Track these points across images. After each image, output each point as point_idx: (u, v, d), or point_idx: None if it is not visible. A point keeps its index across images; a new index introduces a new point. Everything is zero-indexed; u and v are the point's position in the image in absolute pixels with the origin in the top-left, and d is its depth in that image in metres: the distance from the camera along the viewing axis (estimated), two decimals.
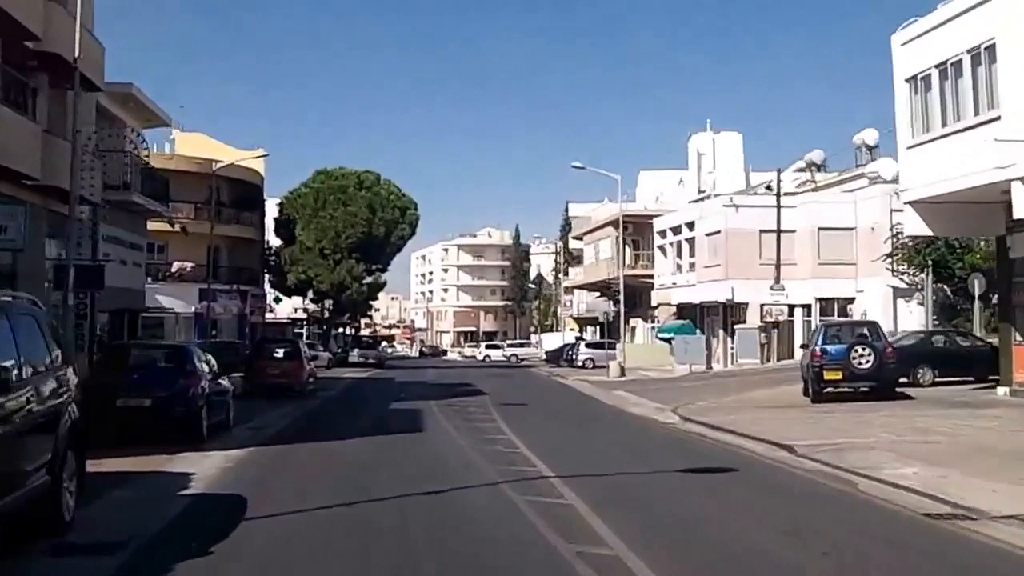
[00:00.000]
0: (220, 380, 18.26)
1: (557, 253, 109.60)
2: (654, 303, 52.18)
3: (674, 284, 47.75)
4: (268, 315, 74.36)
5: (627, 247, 57.31)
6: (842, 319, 30.84)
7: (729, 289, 40.26)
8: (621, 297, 43.99)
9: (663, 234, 49.25)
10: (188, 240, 50.65)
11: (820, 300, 39.98)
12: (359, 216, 53.19)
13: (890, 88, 21.52)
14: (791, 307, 38.75)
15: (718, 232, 41.57)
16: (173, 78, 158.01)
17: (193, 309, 51.25)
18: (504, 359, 71.45)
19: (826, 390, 21.94)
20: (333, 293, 54.54)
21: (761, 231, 40.82)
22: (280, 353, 28.67)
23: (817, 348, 22.04)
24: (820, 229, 39.76)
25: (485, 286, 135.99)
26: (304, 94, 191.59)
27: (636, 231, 57.13)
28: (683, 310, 48.01)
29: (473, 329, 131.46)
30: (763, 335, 38.77)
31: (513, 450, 15.08)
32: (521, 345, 76.32)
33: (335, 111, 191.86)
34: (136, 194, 33.02)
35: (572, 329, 68.10)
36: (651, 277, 54.06)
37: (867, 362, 21.40)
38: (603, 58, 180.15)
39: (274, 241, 58.57)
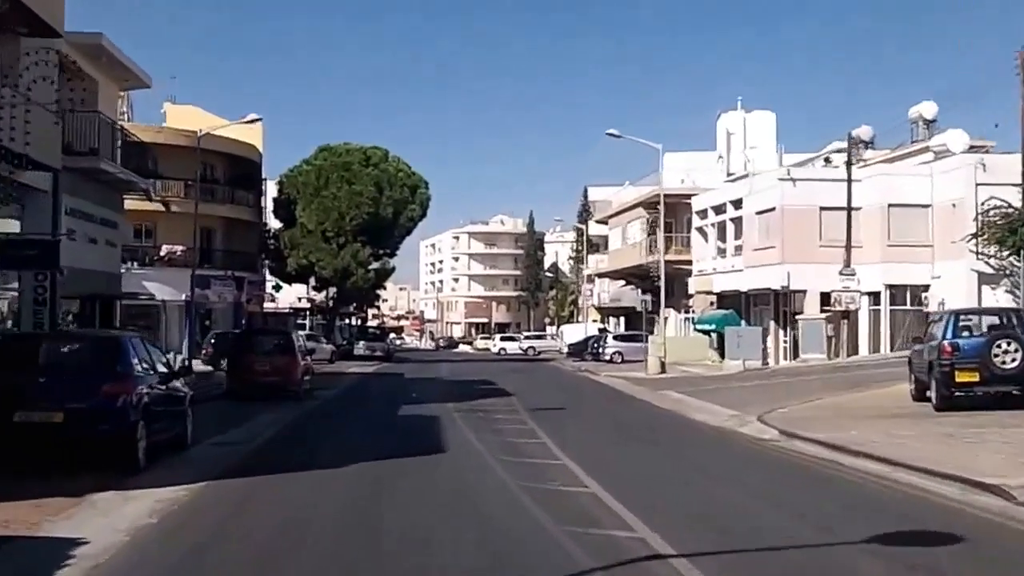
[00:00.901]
0: (173, 383, 13.58)
1: (576, 240, 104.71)
2: (690, 291, 47.35)
3: (714, 270, 42.93)
4: (269, 304, 70.04)
5: (657, 231, 52.49)
6: (972, 307, 25.89)
7: (784, 274, 35.41)
8: (662, 283, 39.15)
9: (703, 214, 44.39)
10: (179, 221, 46.15)
11: (890, 287, 35.09)
12: (365, 195, 48.49)
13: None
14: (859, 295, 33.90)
15: (772, 210, 36.71)
16: (167, 48, 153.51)
17: (184, 297, 46.72)
18: (521, 352, 66.73)
19: (956, 395, 17.15)
20: (336, 280, 49.83)
21: (822, 208, 35.95)
22: (269, 346, 24.02)
23: (946, 342, 17.20)
24: (890, 206, 34.80)
25: (498, 276, 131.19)
26: (307, 69, 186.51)
27: (668, 213, 52.07)
28: (724, 299, 43.20)
29: (485, 320, 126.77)
30: (830, 326, 33.89)
31: (579, 488, 10.39)
32: (539, 337, 71.56)
33: (340, 92, 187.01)
34: (106, 161, 28.24)
35: (595, 320, 63.35)
36: (686, 263, 49.19)
37: (1015, 360, 16.59)
38: (623, 37, 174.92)
39: (274, 224, 53.90)
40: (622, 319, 64.22)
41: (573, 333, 60.67)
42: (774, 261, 36.31)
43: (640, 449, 15.00)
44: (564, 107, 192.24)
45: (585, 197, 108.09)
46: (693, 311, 47.66)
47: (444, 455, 13.70)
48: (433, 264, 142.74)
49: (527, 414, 19.91)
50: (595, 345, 50.33)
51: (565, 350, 60.66)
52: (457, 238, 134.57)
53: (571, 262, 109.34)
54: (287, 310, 69.96)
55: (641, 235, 53.38)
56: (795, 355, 35.30)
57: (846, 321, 34.04)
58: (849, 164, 35.02)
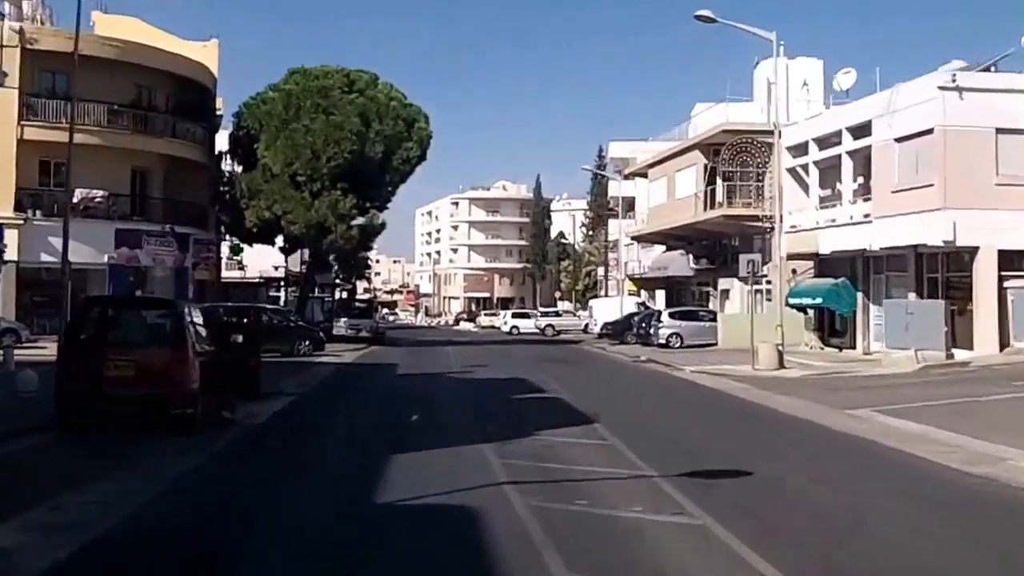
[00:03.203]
0: None
1: (591, 203, 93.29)
2: (772, 255, 36.34)
3: (817, 224, 31.71)
4: (232, 273, 58.72)
5: (718, 179, 41.34)
6: None
7: (947, 224, 24.31)
8: (779, 237, 27.88)
9: (799, 151, 33.05)
10: (102, 159, 34.87)
11: None
12: (347, 129, 37.13)
13: None
14: None
15: (925, 133, 25.45)
16: None
17: (106, 258, 35.51)
18: (538, 331, 55.62)
19: None
20: (310, 238, 38.48)
21: (999, 131, 24.86)
22: (135, 330, 12.86)
23: None
24: None
25: (500, 246, 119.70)
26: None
27: (732, 157, 40.99)
28: (828, 263, 32.20)
29: (487, 295, 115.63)
30: None
31: None
32: (558, 314, 60.25)
33: (314, 16, 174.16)
34: None
35: (632, 293, 52.17)
36: (756, 219, 38.11)
37: None
38: None
39: (232, 167, 42.50)
40: (659, 293, 53.18)
41: (606, 309, 49.51)
42: (930, 206, 25.11)
43: None
44: (580, 58, 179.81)
45: (600, 157, 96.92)
46: (773, 281, 36.51)
47: None
48: (429, 234, 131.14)
49: (671, 487, 8.84)
50: (643, 325, 39.26)
51: (595, 330, 49.61)
52: (456, 204, 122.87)
53: (584, 229, 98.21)
54: (257, 279, 58.79)
55: (697, 184, 42.13)
56: (1005, 341, 23.82)
57: None
58: None
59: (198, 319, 13.05)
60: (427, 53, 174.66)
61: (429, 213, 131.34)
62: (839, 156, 30.38)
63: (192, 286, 39.62)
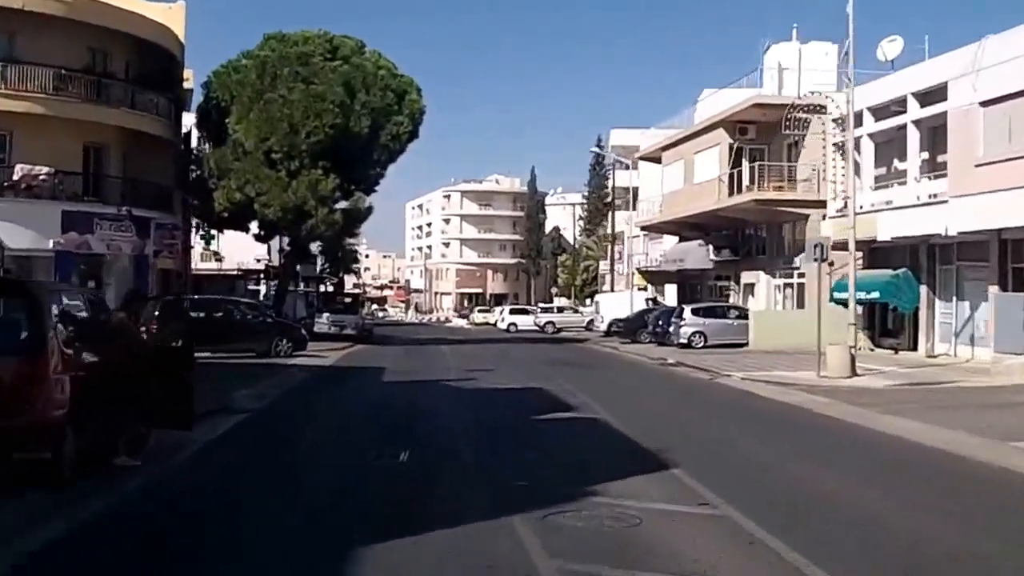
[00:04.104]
0: None
1: (593, 192, 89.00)
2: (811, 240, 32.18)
3: (872, 207, 27.39)
4: (207, 264, 54.30)
5: (744, 160, 37.12)
6: None
7: None
8: (852, 215, 23.49)
9: (846, 122, 28.75)
10: (50, 131, 30.38)
11: None
12: (329, 100, 32.69)
13: None
14: None
15: (1018, 95, 21.15)
16: None
17: (51, 244, 30.98)
18: (537, 328, 51.26)
19: None
20: (287, 223, 34.02)
21: None
22: None
23: None
24: None
25: (494, 240, 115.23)
26: None
27: (760, 134, 36.86)
28: (879, 253, 27.98)
29: (479, 291, 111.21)
30: None
31: None
32: (559, 310, 55.72)
33: None
34: None
35: (642, 288, 47.78)
36: (790, 204, 34.00)
37: None
38: None
39: (201, 146, 37.94)
40: (667, 288, 48.90)
41: (614, 305, 45.13)
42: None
43: None
44: (569, 53, 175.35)
45: (599, 147, 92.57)
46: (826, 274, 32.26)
47: None
48: (420, 228, 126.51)
49: None
50: (660, 322, 34.96)
51: (601, 327, 45.29)
52: (448, 197, 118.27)
53: (581, 223, 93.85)
54: (235, 271, 54.23)
55: (721, 166, 37.83)
56: None
57: None
58: None
59: (80, 310, 8.63)
60: (420, 39, 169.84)
61: (420, 206, 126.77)
62: (902, 127, 26.09)
63: (153, 276, 35.13)
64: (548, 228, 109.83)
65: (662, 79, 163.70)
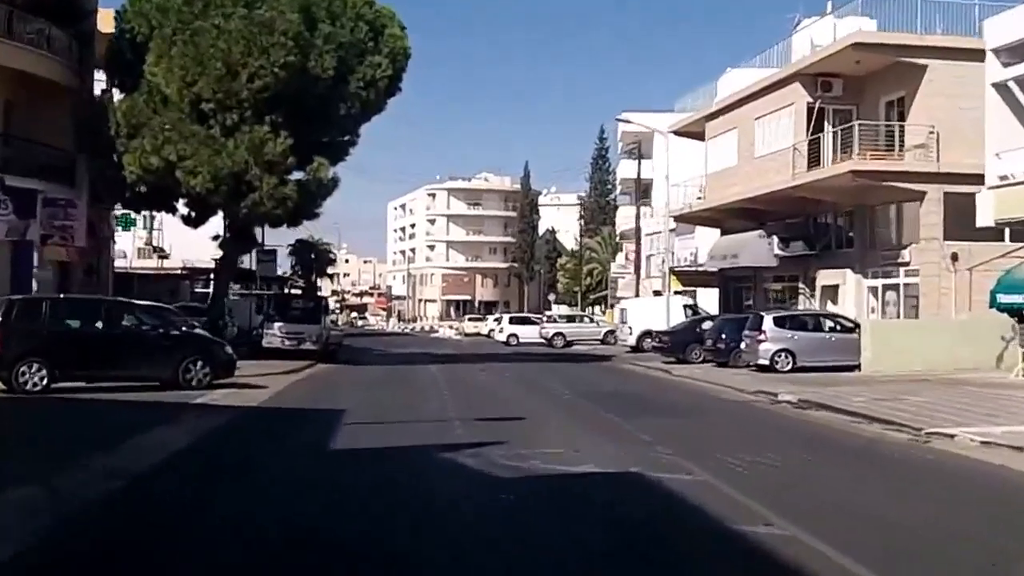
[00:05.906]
0: None
1: (595, 188, 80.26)
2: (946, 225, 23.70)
3: None
4: (144, 263, 45.15)
5: (825, 121, 28.50)
6: None
7: None
8: None
9: (1012, 54, 20.13)
10: None
11: None
12: (280, 31, 23.81)
13: None
14: None
15: None
16: None
17: None
18: (543, 341, 42.34)
19: None
20: (222, 198, 24.95)
21: None
22: None
23: None
24: None
25: (483, 243, 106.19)
26: None
27: (849, 89, 28.31)
28: None
29: (467, 298, 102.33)
30: None
31: None
32: (570, 319, 46.60)
33: None
34: None
35: (679, 292, 38.95)
36: (897, 177, 25.42)
37: None
38: None
39: (111, 93, 28.70)
40: (702, 292, 40.19)
41: (645, 313, 36.17)
42: None
43: None
44: (563, 47, 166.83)
45: (601, 139, 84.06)
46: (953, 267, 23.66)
47: None
48: (403, 229, 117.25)
49: None
50: (723, 335, 26.20)
51: (628, 340, 36.41)
52: (433, 196, 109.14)
53: (581, 222, 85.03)
54: (179, 270, 45.05)
55: (797, 133, 29.13)
56: None
57: None
58: None
59: None
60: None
61: (403, 206, 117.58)
62: None
63: (47, 271, 25.97)
64: (542, 230, 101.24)
65: (661, 79, 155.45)
